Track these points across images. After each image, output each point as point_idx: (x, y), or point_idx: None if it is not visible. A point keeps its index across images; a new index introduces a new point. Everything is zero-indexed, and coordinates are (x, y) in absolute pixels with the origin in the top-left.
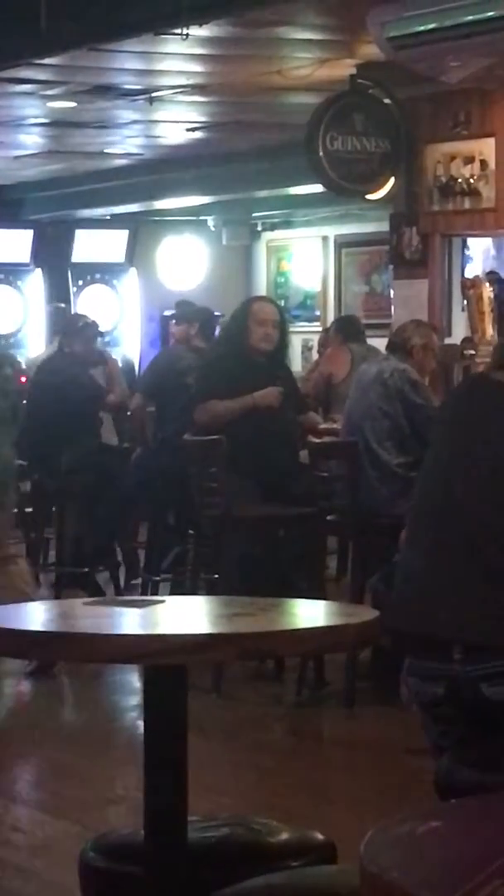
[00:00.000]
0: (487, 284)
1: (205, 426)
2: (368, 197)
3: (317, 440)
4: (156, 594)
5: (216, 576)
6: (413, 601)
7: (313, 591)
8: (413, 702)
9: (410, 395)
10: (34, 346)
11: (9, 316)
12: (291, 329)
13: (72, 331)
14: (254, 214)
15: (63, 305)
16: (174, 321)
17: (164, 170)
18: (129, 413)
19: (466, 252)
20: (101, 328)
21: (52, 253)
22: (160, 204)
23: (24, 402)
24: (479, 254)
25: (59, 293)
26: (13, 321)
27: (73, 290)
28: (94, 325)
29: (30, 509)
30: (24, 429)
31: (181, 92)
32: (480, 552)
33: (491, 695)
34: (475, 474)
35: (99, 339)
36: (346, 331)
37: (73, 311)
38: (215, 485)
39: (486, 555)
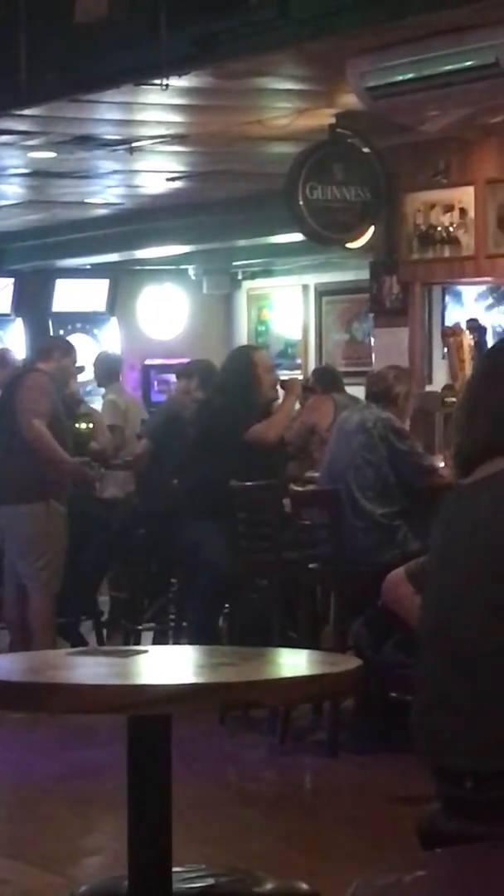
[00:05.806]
0: (468, 332)
1: (272, 442)
2: (348, 246)
3: (298, 488)
4: (138, 644)
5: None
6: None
7: (303, 640)
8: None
9: (396, 443)
10: None
11: None
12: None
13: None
14: (234, 263)
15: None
16: (175, 375)
17: (144, 219)
18: (129, 459)
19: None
20: (83, 378)
21: (32, 303)
22: (141, 253)
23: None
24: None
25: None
26: None
27: None
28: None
29: None
30: None
31: (161, 142)
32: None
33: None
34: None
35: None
36: (325, 382)
37: None
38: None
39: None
